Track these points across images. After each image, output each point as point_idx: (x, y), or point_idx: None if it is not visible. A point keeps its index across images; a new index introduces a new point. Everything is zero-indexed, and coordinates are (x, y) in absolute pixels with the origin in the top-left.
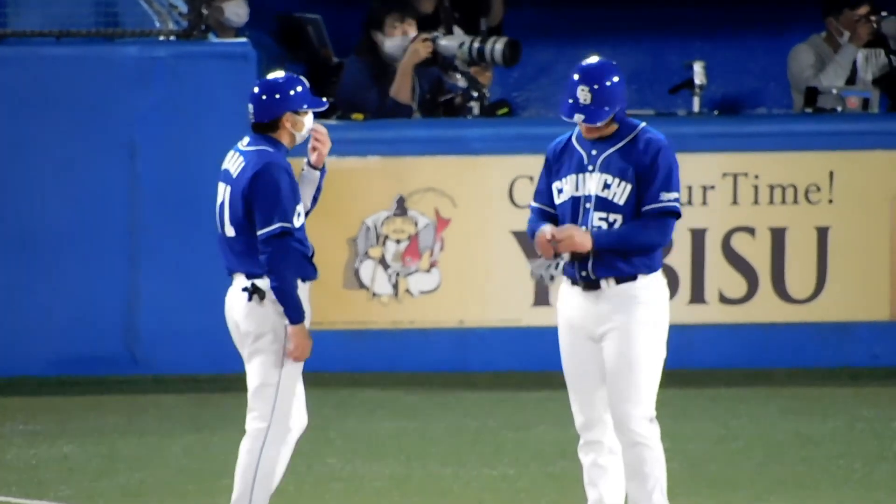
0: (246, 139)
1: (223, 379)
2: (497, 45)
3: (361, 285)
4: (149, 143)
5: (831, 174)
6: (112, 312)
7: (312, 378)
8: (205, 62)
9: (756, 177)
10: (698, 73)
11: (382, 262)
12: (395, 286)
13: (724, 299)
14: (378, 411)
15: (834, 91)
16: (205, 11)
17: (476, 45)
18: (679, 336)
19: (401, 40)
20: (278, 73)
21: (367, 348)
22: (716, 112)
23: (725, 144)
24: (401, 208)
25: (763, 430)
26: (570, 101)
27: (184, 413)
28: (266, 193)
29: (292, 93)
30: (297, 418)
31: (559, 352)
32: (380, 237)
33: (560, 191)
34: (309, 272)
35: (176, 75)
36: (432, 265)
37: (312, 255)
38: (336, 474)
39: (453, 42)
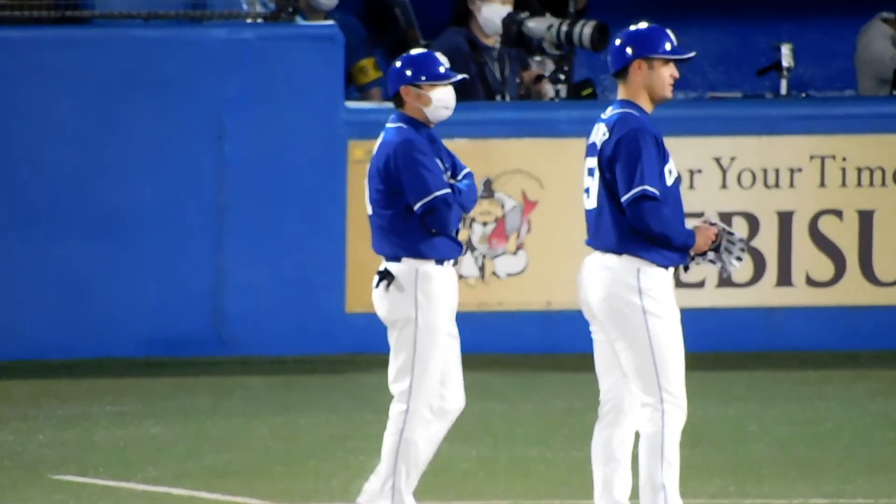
0: (391, 117)
1: (309, 360)
2: (585, 29)
3: None
4: (236, 125)
5: None
6: (199, 294)
7: None
8: (292, 45)
9: (844, 159)
10: (786, 55)
11: (469, 244)
12: (482, 268)
13: (811, 282)
14: (465, 393)
15: None
16: None
17: (564, 28)
18: (766, 318)
19: (499, 8)
20: (419, 50)
21: None
22: (804, 94)
23: (813, 127)
24: (488, 190)
25: (851, 413)
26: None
27: (270, 394)
28: (409, 167)
29: (412, 66)
30: (450, 399)
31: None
32: (466, 220)
33: (671, 172)
34: (448, 251)
35: (263, 58)
36: (519, 247)
37: (457, 233)
38: None
39: (541, 25)
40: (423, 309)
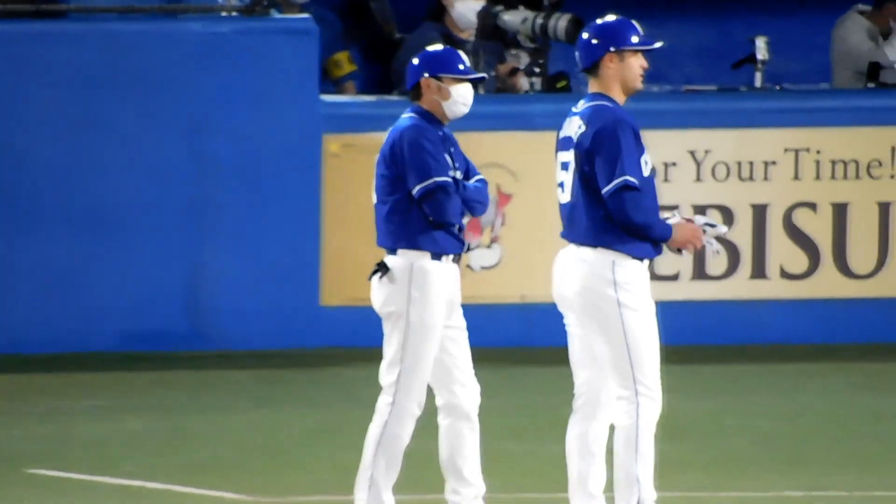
0: (407, 109)
1: (288, 354)
2: (560, 22)
3: None
4: (213, 119)
5: (893, 149)
6: (177, 288)
7: (377, 355)
8: (268, 38)
9: (818, 152)
10: (761, 48)
11: None
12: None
13: (785, 275)
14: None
15: None
16: None
17: (539, 21)
18: (741, 311)
19: (472, 3)
20: (440, 46)
21: None
22: (778, 87)
23: (787, 120)
24: None
25: (827, 406)
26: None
27: (249, 389)
28: (414, 151)
29: (435, 59)
30: (461, 395)
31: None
32: None
33: (646, 163)
34: (448, 246)
35: (239, 51)
36: (493, 241)
37: (461, 230)
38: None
39: (516, 17)
40: (415, 304)
